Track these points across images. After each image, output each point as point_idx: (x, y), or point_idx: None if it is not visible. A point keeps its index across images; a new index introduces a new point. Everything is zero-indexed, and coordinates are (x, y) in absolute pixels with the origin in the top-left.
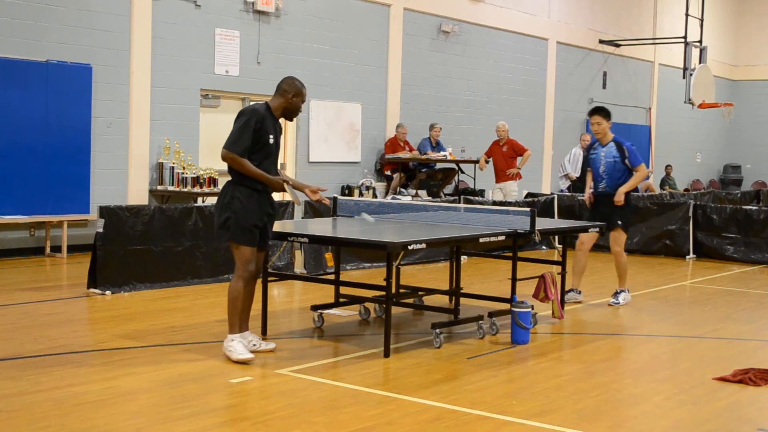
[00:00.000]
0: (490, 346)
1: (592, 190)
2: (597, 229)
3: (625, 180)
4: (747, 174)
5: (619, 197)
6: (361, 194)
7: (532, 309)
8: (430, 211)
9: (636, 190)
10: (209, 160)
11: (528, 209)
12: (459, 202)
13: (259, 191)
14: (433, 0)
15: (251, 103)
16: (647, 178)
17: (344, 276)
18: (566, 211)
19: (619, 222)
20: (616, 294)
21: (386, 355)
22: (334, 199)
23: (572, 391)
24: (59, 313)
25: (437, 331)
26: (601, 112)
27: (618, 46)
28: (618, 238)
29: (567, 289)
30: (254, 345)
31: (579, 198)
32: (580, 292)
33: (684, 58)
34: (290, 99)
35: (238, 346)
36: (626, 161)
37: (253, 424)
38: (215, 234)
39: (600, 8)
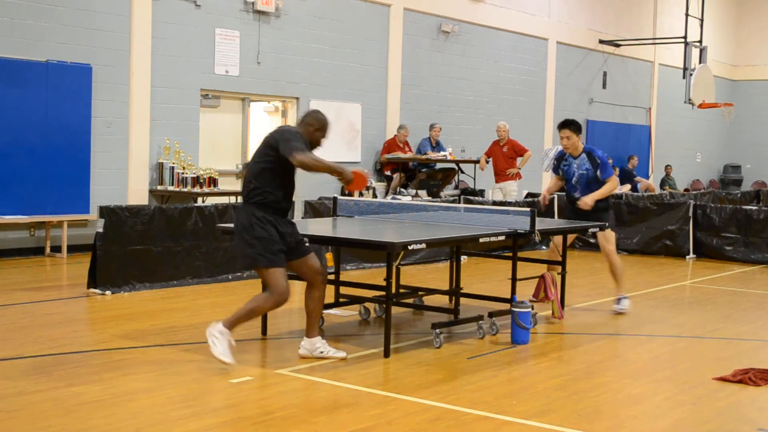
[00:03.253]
0: (490, 346)
1: (552, 196)
2: (597, 230)
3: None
4: (747, 174)
5: (587, 202)
6: (361, 194)
7: (532, 309)
8: (430, 211)
9: (636, 190)
10: (209, 160)
11: (528, 209)
12: (459, 202)
13: (274, 211)
14: (433, 0)
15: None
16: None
17: (344, 276)
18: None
19: (608, 224)
20: (618, 300)
21: (386, 355)
22: (334, 199)
23: (572, 391)
24: (59, 313)
25: (437, 331)
26: (570, 125)
27: (618, 46)
28: (608, 237)
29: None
30: (321, 352)
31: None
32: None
33: (684, 58)
34: (312, 132)
35: (225, 343)
36: (597, 173)
37: (253, 424)
38: (242, 262)
39: (600, 8)
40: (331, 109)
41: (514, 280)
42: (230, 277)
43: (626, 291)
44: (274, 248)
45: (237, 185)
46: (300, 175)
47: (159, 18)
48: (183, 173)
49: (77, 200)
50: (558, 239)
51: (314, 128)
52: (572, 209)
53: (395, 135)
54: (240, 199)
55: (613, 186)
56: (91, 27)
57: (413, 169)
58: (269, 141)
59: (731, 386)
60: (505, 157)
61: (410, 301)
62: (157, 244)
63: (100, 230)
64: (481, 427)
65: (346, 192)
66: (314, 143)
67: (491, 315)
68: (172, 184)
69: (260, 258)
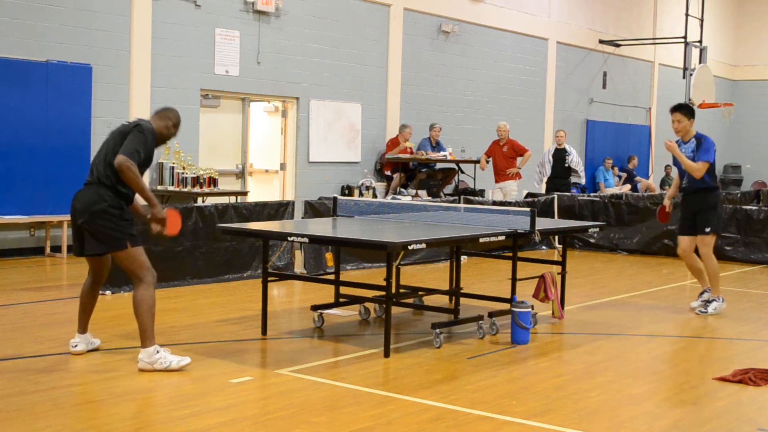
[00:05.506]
0: (490, 346)
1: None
2: (597, 229)
3: (706, 178)
4: (747, 174)
5: (668, 142)
6: (361, 194)
7: (532, 309)
8: (430, 211)
9: (636, 190)
10: (209, 160)
11: (528, 209)
12: (459, 202)
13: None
14: (433, 0)
15: (146, 120)
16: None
17: (344, 276)
18: (566, 211)
19: (707, 230)
20: (706, 303)
21: (386, 355)
22: (334, 199)
23: (572, 391)
24: (59, 313)
25: (437, 331)
26: (681, 109)
27: (618, 46)
28: (707, 241)
29: (701, 292)
30: (162, 363)
31: (579, 198)
32: (721, 299)
33: (684, 58)
34: (170, 127)
35: (171, 356)
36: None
37: (253, 424)
38: (105, 247)
39: (600, 8)
40: (331, 109)
41: (514, 280)
42: (230, 277)
43: (720, 293)
44: (134, 230)
45: (237, 185)
46: (300, 175)
47: (159, 18)
48: (183, 173)
49: None
50: (685, 245)
51: (172, 123)
52: (686, 200)
53: (399, 134)
54: (238, 198)
55: (700, 167)
56: (91, 27)
57: (413, 169)
58: (123, 131)
59: (731, 386)
60: (505, 156)
61: (410, 301)
62: (157, 244)
63: None
64: (481, 427)
65: (153, 233)
66: (167, 137)
67: (491, 315)
68: (172, 184)
69: (130, 237)
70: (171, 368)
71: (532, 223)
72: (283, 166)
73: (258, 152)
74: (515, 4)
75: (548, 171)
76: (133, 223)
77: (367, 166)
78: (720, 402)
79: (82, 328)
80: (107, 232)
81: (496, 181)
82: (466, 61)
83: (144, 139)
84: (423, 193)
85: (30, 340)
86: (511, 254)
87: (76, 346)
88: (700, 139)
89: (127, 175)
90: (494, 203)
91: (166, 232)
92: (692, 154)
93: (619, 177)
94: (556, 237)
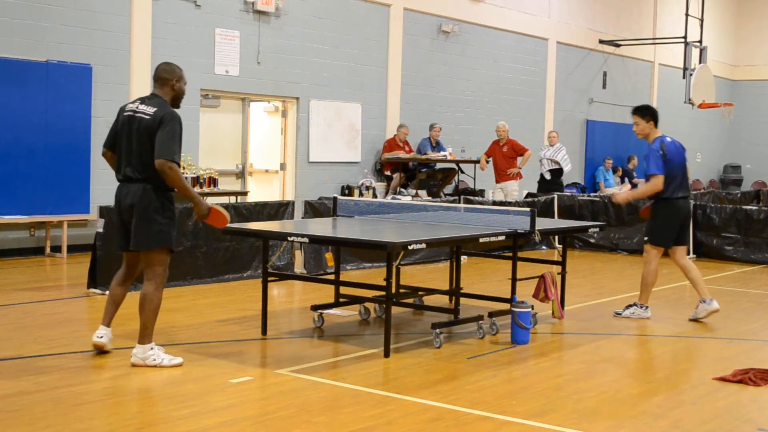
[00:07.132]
0: (490, 346)
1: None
2: (597, 229)
3: None
4: (747, 174)
5: (616, 197)
6: (361, 194)
7: (532, 309)
8: (430, 211)
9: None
10: (209, 160)
11: (528, 209)
12: (459, 202)
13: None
14: (433, 0)
15: (167, 106)
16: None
17: (344, 276)
18: (566, 211)
19: (646, 238)
20: (627, 306)
21: (386, 355)
22: (334, 199)
23: (572, 391)
24: (59, 313)
25: (437, 331)
26: (637, 111)
27: (618, 46)
28: (646, 249)
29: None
30: (154, 359)
31: (579, 198)
32: (644, 307)
33: (684, 58)
34: (174, 85)
35: (164, 354)
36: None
37: (253, 424)
38: (142, 243)
39: (600, 8)
40: (331, 109)
41: (514, 280)
42: (230, 277)
43: (644, 301)
44: (175, 230)
45: (237, 185)
46: (300, 175)
47: (159, 18)
48: (183, 173)
49: (77, 200)
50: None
51: (174, 80)
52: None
53: (395, 134)
54: (238, 198)
55: (652, 186)
56: (91, 27)
57: (413, 169)
58: (149, 126)
59: (731, 386)
60: (505, 156)
61: (410, 301)
62: None
63: (101, 230)
64: (481, 427)
65: (200, 224)
66: (182, 95)
67: (491, 315)
68: None
69: (171, 238)
70: (162, 365)
71: (532, 223)
72: (283, 166)
73: (258, 152)
74: (515, 4)
75: (548, 166)
76: (176, 223)
77: (367, 166)
78: (720, 402)
79: (108, 321)
80: (158, 229)
81: (497, 181)
82: (466, 61)
83: (176, 131)
84: (423, 193)
85: (30, 340)
86: (511, 254)
87: (101, 337)
88: (654, 143)
89: (170, 176)
90: (494, 203)
91: (210, 222)
92: (646, 161)
93: (621, 178)
94: (556, 237)
